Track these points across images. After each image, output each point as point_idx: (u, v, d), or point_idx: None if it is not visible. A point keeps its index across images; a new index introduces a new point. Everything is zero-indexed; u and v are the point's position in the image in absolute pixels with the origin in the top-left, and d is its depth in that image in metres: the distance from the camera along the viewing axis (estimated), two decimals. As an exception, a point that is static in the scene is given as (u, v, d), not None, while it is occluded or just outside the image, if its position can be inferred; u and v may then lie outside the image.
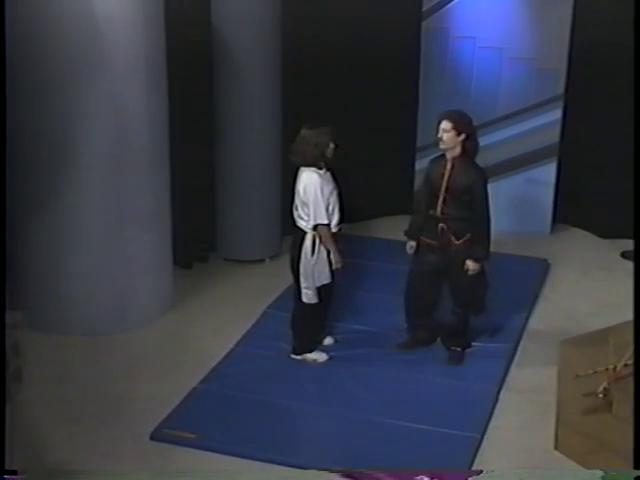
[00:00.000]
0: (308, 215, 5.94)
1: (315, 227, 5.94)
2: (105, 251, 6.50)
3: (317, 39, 8.07)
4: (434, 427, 5.48)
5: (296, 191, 6.03)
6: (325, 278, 6.04)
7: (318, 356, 6.29)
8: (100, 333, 6.54)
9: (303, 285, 6.06)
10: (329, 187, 5.95)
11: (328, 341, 6.48)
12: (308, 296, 6.08)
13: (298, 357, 6.29)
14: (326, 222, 5.92)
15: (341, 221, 6.06)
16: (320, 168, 5.94)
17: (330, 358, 6.30)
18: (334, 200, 5.98)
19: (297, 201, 6.04)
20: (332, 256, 5.99)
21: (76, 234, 6.43)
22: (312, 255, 5.97)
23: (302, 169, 5.99)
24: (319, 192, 5.87)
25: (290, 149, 6.07)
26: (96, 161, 6.33)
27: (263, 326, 6.77)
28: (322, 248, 5.98)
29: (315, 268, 5.99)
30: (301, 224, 6.02)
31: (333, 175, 6.05)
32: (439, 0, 8.34)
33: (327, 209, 5.92)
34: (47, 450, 5.22)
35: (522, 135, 8.48)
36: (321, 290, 6.09)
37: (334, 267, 6.03)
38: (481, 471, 5.06)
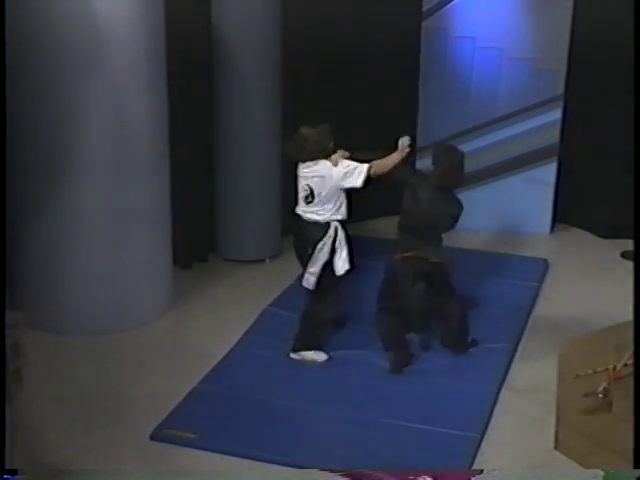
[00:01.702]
0: (329, 209, 6.08)
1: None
2: (105, 251, 6.50)
3: (317, 39, 8.06)
4: (434, 427, 5.48)
5: (309, 184, 6.08)
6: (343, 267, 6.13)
7: (317, 356, 6.29)
8: (100, 333, 6.54)
9: (310, 269, 6.09)
10: None
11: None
12: (309, 281, 6.11)
13: (296, 356, 6.29)
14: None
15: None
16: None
17: (330, 358, 6.30)
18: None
19: (315, 194, 6.06)
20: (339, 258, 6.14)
21: (76, 234, 6.43)
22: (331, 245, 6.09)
23: (311, 164, 6.07)
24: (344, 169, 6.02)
25: (289, 146, 6.18)
26: (96, 161, 6.33)
27: (263, 326, 6.77)
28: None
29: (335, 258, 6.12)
30: (313, 217, 6.10)
31: None
32: (439, 0, 8.35)
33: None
34: (47, 450, 5.22)
35: (522, 135, 8.48)
36: (329, 291, 6.16)
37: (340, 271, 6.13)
38: (481, 471, 5.07)
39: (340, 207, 6.12)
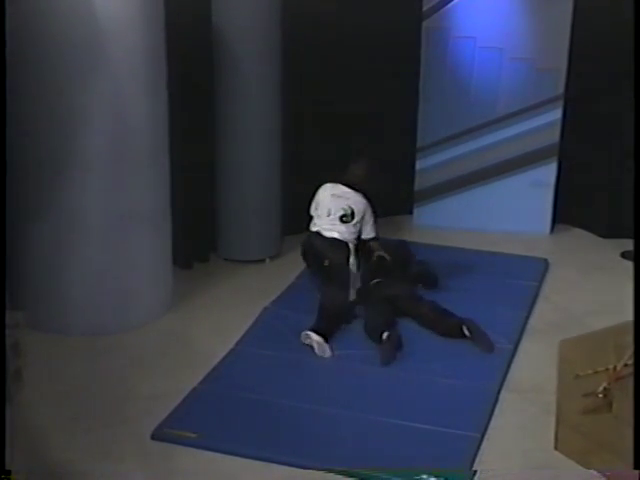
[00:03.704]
0: (358, 230, 6.87)
1: (367, 240, 6.94)
2: (105, 251, 6.50)
3: (317, 39, 8.07)
4: (434, 427, 5.47)
5: (350, 206, 6.82)
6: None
7: (321, 347, 6.29)
8: (100, 333, 6.55)
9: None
10: None
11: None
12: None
13: (307, 332, 6.35)
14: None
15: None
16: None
17: (332, 355, 6.31)
18: None
19: (356, 215, 6.84)
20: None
21: (76, 234, 6.43)
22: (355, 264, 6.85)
23: (345, 189, 6.90)
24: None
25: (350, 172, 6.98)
26: (96, 161, 6.33)
27: (263, 326, 6.77)
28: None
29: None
30: (333, 235, 6.81)
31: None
32: (439, 0, 8.35)
33: None
34: (47, 450, 5.22)
35: (522, 135, 8.48)
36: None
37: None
38: (475, 471, 5.08)
39: (358, 233, 6.92)
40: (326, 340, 6.35)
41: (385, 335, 6.31)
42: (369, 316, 6.63)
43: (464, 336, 6.43)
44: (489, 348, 6.36)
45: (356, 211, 6.84)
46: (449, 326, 6.51)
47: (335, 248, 6.79)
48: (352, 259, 6.81)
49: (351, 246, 6.83)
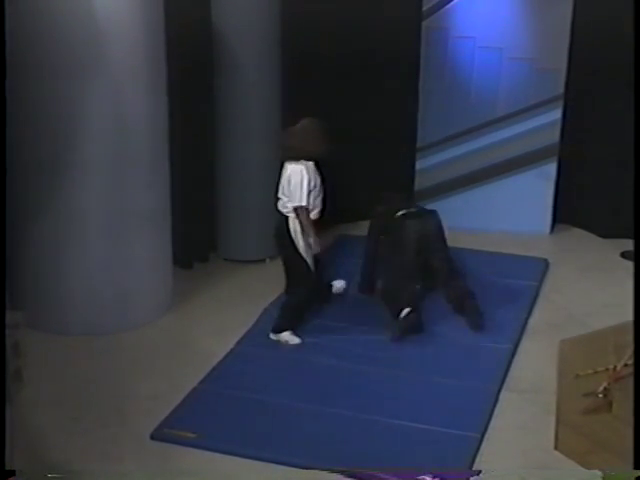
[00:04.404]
0: (289, 199, 6.29)
1: (295, 210, 6.26)
2: (105, 251, 6.50)
3: (317, 39, 8.06)
4: (434, 427, 5.48)
5: (282, 183, 6.39)
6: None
7: (289, 338, 6.46)
8: (100, 333, 6.55)
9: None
10: (313, 177, 6.30)
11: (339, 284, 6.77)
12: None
13: (274, 337, 6.50)
14: (305, 204, 6.22)
15: (322, 212, 6.43)
16: (309, 159, 6.31)
17: (302, 342, 6.47)
18: (317, 190, 6.32)
19: (282, 192, 6.37)
20: (311, 241, 6.30)
21: (76, 234, 6.43)
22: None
23: (287, 163, 6.39)
24: (305, 179, 6.20)
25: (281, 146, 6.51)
26: (96, 161, 6.33)
27: (263, 326, 6.76)
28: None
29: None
30: (284, 211, 6.37)
31: (318, 167, 6.39)
32: (439, 0, 8.35)
33: (309, 195, 6.23)
34: (47, 450, 5.22)
35: (522, 135, 8.48)
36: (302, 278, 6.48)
37: (313, 252, 6.35)
38: (480, 471, 5.07)
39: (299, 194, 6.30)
40: (292, 329, 6.54)
41: (405, 312, 6.37)
42: (392, 280, 6.60)
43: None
44: (476, 327, 6.52)
45: (282, 183, 6.38)
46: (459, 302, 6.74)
47: (279, 230, 6.44)
48: (294, 233, 6.31)
49: (291, 222, 6.32)
